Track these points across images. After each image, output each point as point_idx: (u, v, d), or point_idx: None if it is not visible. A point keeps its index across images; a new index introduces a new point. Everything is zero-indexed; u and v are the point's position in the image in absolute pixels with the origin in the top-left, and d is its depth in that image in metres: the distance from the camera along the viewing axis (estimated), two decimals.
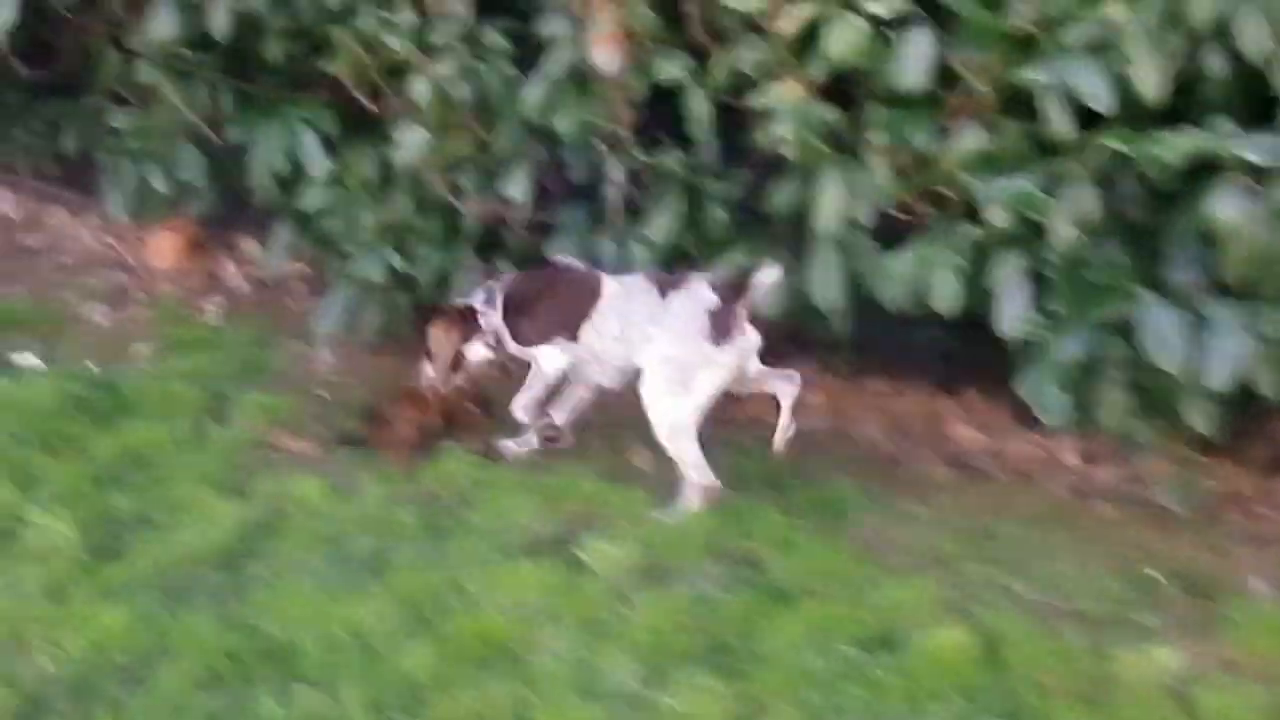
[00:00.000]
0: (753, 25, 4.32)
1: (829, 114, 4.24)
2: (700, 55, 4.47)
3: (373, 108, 5.00)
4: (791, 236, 4.62)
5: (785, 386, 4.39)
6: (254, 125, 5.37)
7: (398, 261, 5.20)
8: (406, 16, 4.80)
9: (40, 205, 7.08)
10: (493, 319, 4.56)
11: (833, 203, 4.24)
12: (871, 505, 4.62)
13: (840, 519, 4.51)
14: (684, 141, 4.67)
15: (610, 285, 4.39)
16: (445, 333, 4.65)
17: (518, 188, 4.87)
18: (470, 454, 4.70)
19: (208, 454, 4.63)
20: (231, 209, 6.09)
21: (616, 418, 4.78)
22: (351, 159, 5.26)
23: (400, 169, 4.89)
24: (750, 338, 4.22)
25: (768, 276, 4.19)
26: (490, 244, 5.22)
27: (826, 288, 4.51)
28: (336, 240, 5.27)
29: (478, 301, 4.59)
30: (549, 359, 4.51)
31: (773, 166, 4.59)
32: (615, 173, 4.58)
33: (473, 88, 4.77)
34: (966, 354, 5.14)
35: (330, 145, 5.33)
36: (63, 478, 4.38)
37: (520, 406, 4.54)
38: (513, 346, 4.57)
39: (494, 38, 4.73)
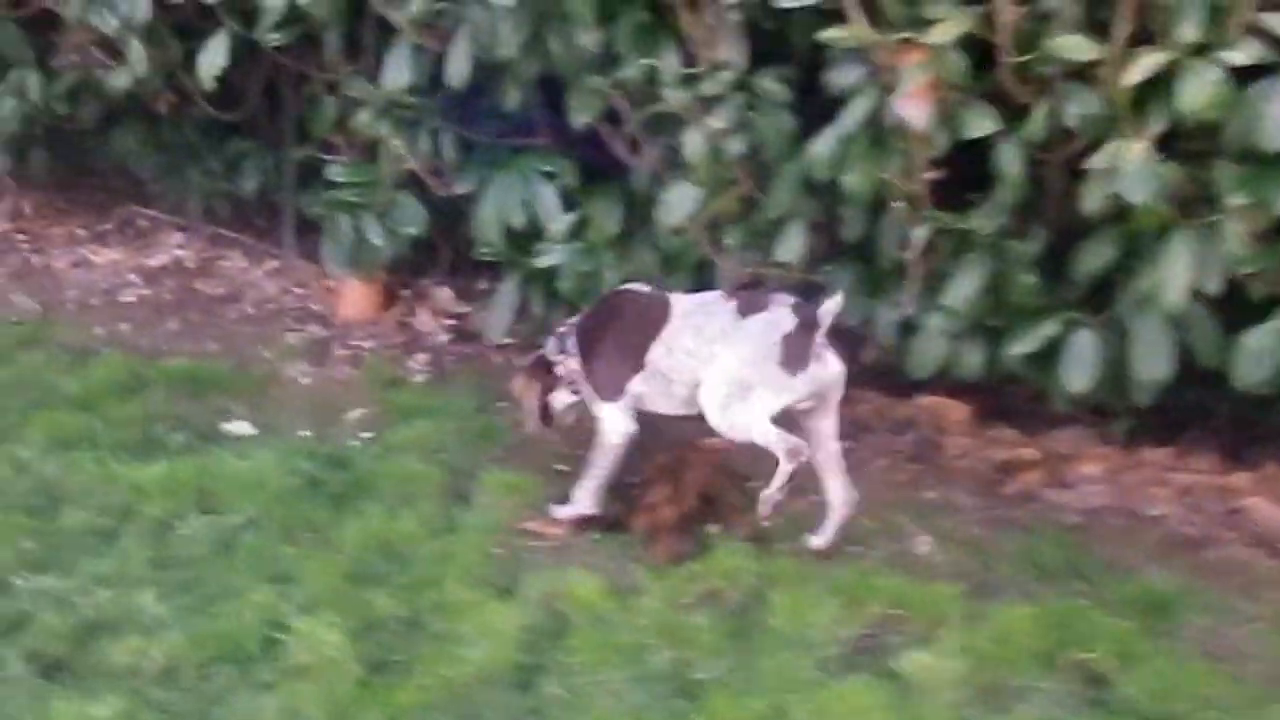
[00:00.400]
0: (1080, 75, 3.79)
1: (1175, 173, 3.72)
2: (1012, 106, 3.95)
3: (631, 161, 4.51)
4: (1101, 301, 4.24)
5: (836, 498, 4.28)
6: (484, 176, 4.90)
7: None
8: (672, 63, 4.29)
9: (214, 249, 6.77)
10: (570, 364, 4.33)
11: (1182, 273, 3.77)
12: (1196, 602, 4.14)
13: (1168, 619, 4.06)
14: (977, 198, 4.25)
15: (681, 303, 4.20)
16: (526, 385, 4.45)
17: (790, 248, 4.44)
18: (741, 541, 4.29)
19: (462, 543, 4.24)
20: (418, 253, 5.83)
21: (886, 500, 4.57)
22: (593, 212, 4.78)
23: (665, 227, 4.41)
24: (830, 369, 4.04)
25: (834, 305, 3.96)
26: None
27: (1153, 361, 4.05)
28: (572, 299, 4.80)
29: (550, 351, 4.36)
30: (617, 425, 4.28)
31: (1074, 226, 4.18)
32: (916, 233, 4.08)
33: (747, 141, 4.26)
34: (1260, 420, 4.69)
35: (569, 198, 4.89)
36: (316, 574, 3.99)
37: (586, 492, 4.33)
38: (588, 399, 4.34)
39: (771, 87, 4.24)
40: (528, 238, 4.98)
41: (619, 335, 4.24)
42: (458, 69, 4.68)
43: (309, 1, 4.69)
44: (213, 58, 5.10)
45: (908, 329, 4.56)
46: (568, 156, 4.92)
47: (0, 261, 6.73)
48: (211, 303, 6.33)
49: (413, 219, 5.07)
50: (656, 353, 4.16)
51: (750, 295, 4.19)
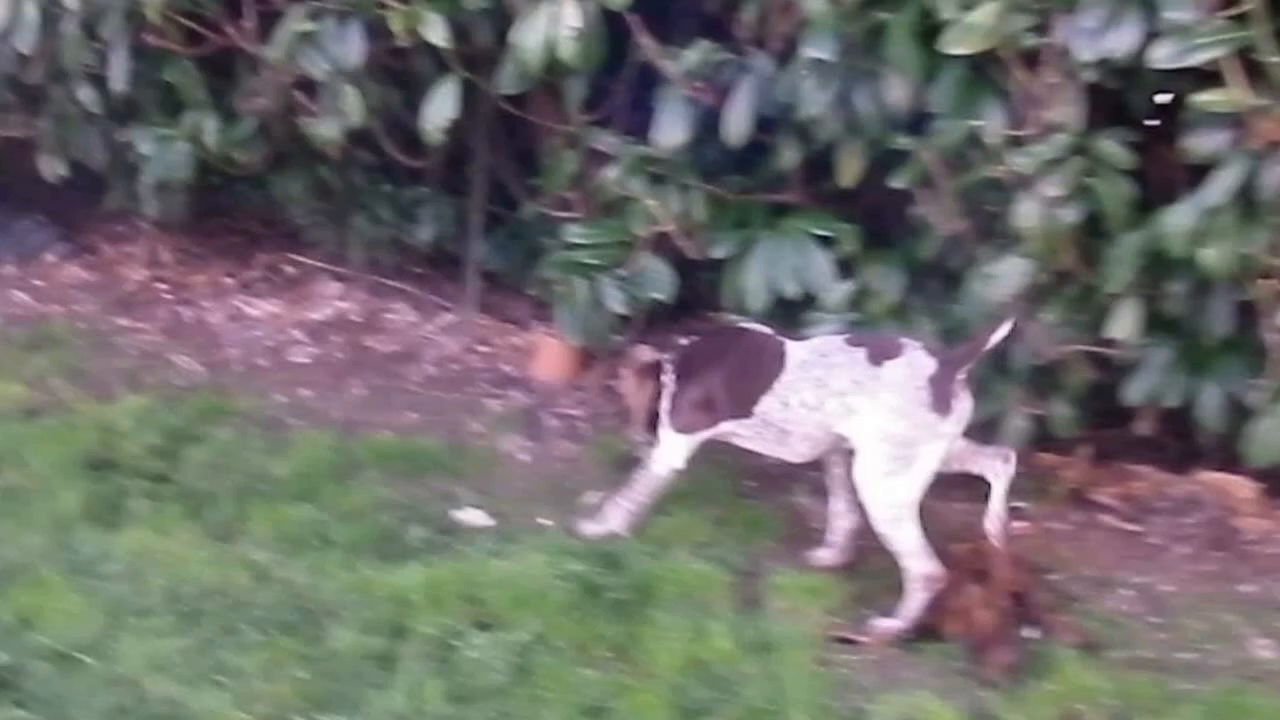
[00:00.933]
0: None
1: None
2: None
3: (944, 227, 4.11)
4: None
5: (998, 465, 4.03)
6: (745, 238, 4.44)
7: None
8: (996, 124, 3.84)
9: (378, 300, 6.26)
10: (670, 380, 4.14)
11: None
12: None
13: None
14: None
15: (798, 353, 4.00)
16: (637, 388, 4.29)
17: (1123, 325, 4.01)
18: (1074, 650, 3.94)
19: (783, 662, 3.79)
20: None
21: (1203, 594, 4.27)
22: (871, 279, 4.33)
23: (994, 302, 3.97)
24: (966, 404, 3.85)
25: (1003, 331, 3.82)
26: (1045, 383, 4.41)
27: None
28: None
29: (666, 361, 4.21)
30: (674, 457, 4.18)
31: None
32: None
33: (1084, 209, 3.81)
34: None
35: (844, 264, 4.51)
36: (638, 706, 3.57)
37: (621, 513, 4.26)
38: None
39: (1113, 151, 3.80)
40: (787, 305, 4.53)
41: (723, 375, 4.08)
42: (738, 126, 4.25)
43: (572, 51, 4.13)
44: (440, 108, 4.64)
45: (1239, 410, 4.18)
46: (844, 219, 4.41)
47: (148, 315, 6.24)
48: (387, 362, 5.86)
49: (661, 284, 4.62)
50: (768, 404, 3.98)
51: (875, 340, 3.97)
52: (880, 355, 3.84)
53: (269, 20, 5.10)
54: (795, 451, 4.06)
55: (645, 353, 4.35)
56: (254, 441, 4.90)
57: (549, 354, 5.61)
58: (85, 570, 4.02)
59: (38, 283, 6.54)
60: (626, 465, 4.75)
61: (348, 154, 5.60)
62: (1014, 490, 4.22)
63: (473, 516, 4.59)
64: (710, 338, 4.30)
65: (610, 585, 4.09)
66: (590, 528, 4.25)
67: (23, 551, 4.05)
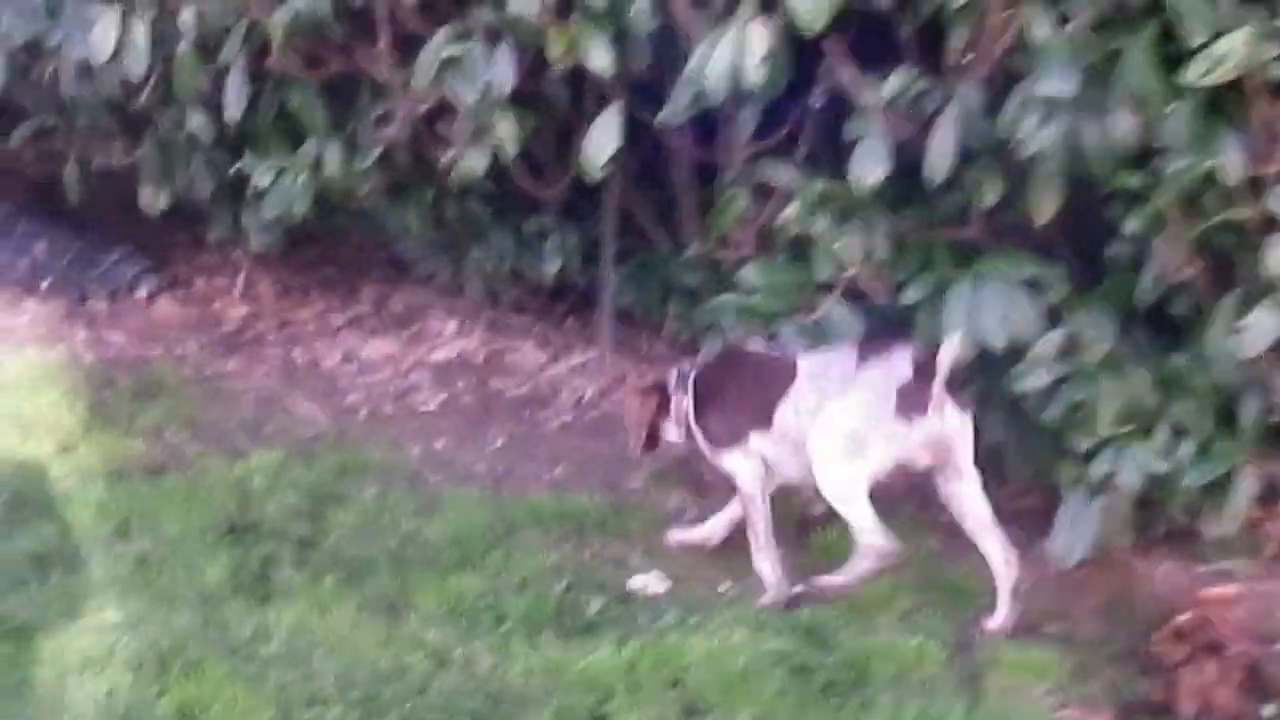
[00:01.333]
0: None
1: None
2: None
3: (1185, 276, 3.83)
4: None
5: (998, 563, 4.00)
6: (938, 281, 4.09)
7: (1153, 460, 3.98)
8: (1236, 161, 3.50)
9: (499, 338, 5.88)
10: (682, 404, 4.24)
11: None
12: None
13: None
14: None
15: (806, 363, 4.06)
16: (640, 406, 4.35)
17: None
18: None
19: None
20: None
21: None
22: (1081, 328, 3.97)
23: (1234, 359, 3.67)
24: (949, 420, 3.83)
25: (952, 348, 3.78)
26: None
27: None
28: (1061, 432, 4.05)
29: (671, 382, 4.27)
30: (743, 471, 4.15)
31: None
32: None
33: None
34: None
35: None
36: None
37: (763, 560, 4.18)
38: (705, 449, 4.24)
39: None
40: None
41: (740, 389, 4.15)
42: (941, 160, 3.90)
43: (760, 78, 3.80)
44: (603, 140, 4.27)
45: None
46: (1049, 260, 4.05)
47: (257, 357, 5.96)
48: (520, 407, 5.53)
49: (849, 332, 4.21)
50: (783, 413, 4.00)
51: (873, 344, 4.00)
52: (868, 355, 3.93)
53: (403, 43, 4.71)
54: (809, 465, 3.99)
55: (645, 375, 4.61)
56: (400, 501, 4.57)
57: None
58: (243, 653, 3.68)
59: (131, 321, 6.16)
60: (800, 522, 4.40)
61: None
62: (1224, 550, 4.08)
63: (648, 583, 4.27)
64: (721, 359, 4.37)
65: (820, 664, 3.77)
66: (765, 599, 4.14)
67: (173, 633, 3.70)
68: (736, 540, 4.35)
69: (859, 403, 3.87)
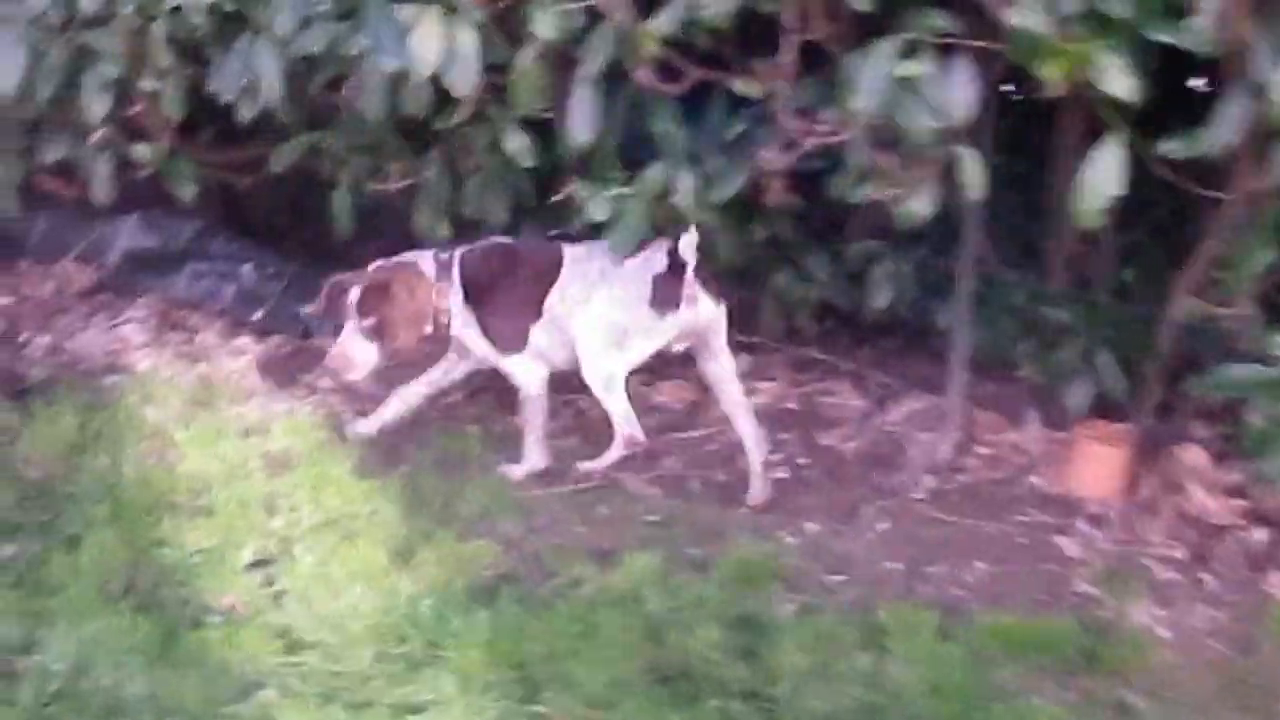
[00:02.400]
0: None
1: None
2: None
3: None
4: None
5: (750, 444, 4.32)
6: None
7: None
8: None
9: (809, 381, 4.88)
10: (448, 298, 4.26)
11: None
12: None
13: None
14: None
15: (573, 250, 4.23)
16: (413, 288, 4.26)
17: None
18: None
19: None
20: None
21: None
22: None
23: None
24: (703, 311, 4.10)
25: (692, 240, 3.93)
26: None
27: None
28: None
29: (426, 267, 4.26)
30: (530, 375, 4.32)
31: None
32: None
33: None
34: None
35: None
36: None
37: (534, 446, 4.34)
38: (481, 346, 4.35)
39: None
40: None
41: (514, 285, 4.17)
42: None
43: None
44: (1102, 180, 3.19)
45: None
46: None
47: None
48: (864, 469, 4.55)
49: None
50: (553, 299, 4.14)
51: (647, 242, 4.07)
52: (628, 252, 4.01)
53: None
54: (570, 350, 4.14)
55: (417, 262, 4.31)
56: (831, 625, 3.55)
57: (1094, 465, 4.20)
58: None
59: None
60: None
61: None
62: None
63: None
64: (487, 255, 4.34)
65: None
66: (516, 470, 4.32)
67: None
68: (1253, 680, 3.53)
69: (619, 297, 4.04)
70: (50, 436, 4.24)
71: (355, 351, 4.24)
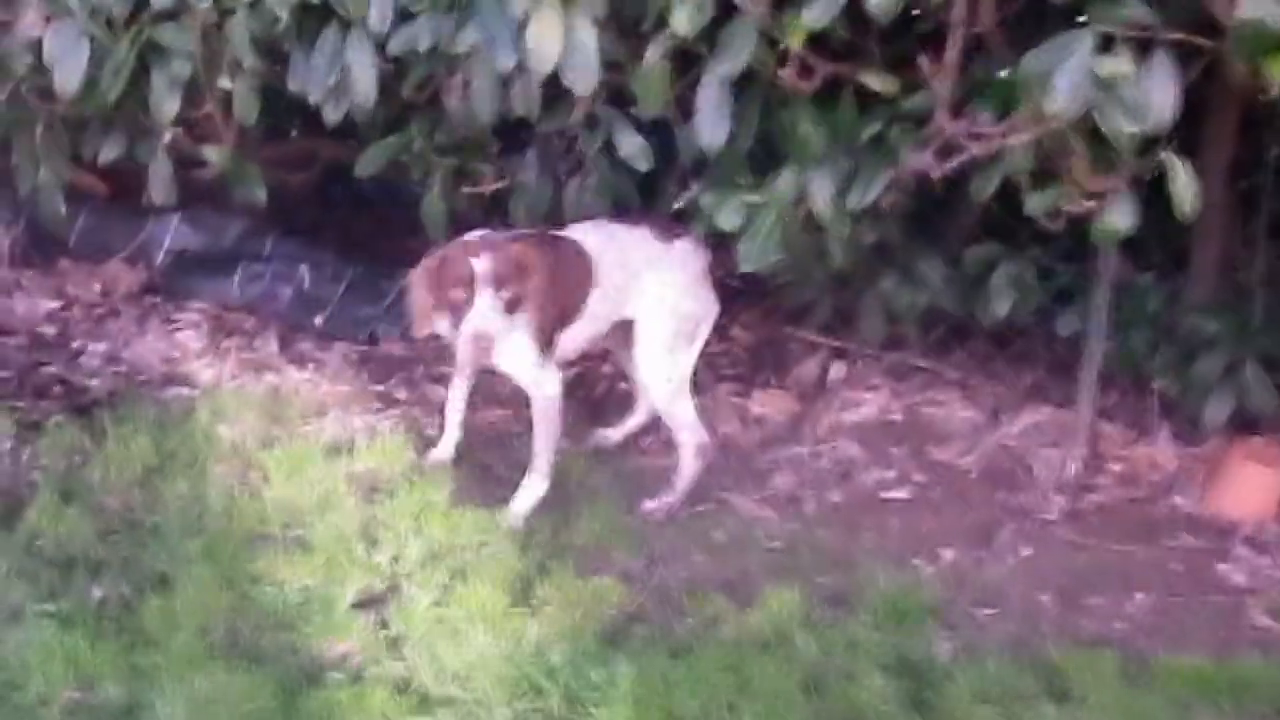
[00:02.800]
0: None
1: None
2: None
3: None
4: None
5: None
6: None
7: None
8: None
9: (912, 391, 4.60)
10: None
11: None
12: None
13: None
14: None
15: (588, 239, 3.78)
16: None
17: None
18: None
19: None
20: None
21: None
22: None
23: None
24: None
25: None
26: None
27: None
28: None
29: (475, 267, 3.49)
30: (554, 382, 3.77)
31: None
32: None
33: None
34: None
35: None
36: None
37: (545, 463, 3.77)
38: (511, 355, 3.64)
39: None
40: None
41: (552, 283, 3.57)
42: None
43: None
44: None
45: None
46: None
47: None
48: (986, 488, 4.23)
49: None
50: (595, 298, 3.70)
51: (655, 220, 3.89)
52: (666, 233, 3.79)
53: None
54: (589, 338, 3.84)
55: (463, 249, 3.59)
56: (1008, 672, 3.20)
57: (1247, 484, 3.88)
58: None
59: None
60: None
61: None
62: None
63: None
64: (518, 253, 3.56)
65: None
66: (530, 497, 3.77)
67: None
68: None
69: (681, 283, 3.71)
70: (124, 459, 3.87)
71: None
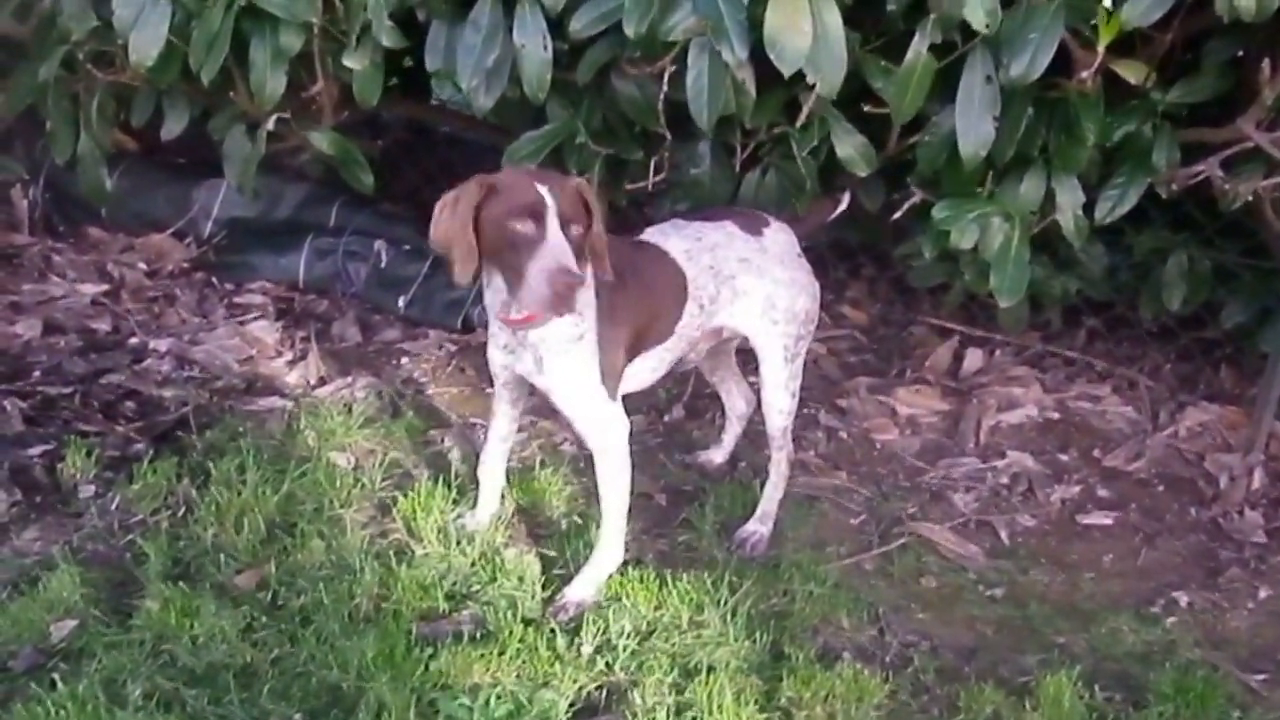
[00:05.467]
0: None
1: None
2: None
3: None
4: None
5: (742, 405, 3.21)
6: None
7: None
8: None
9: (1060, 386, 3.73)
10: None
11: None
12: None
13: None
14: None
15: (673, 245, 2.73)
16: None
17: None
18: None
19: None
20: None
21: None
22: None
23: None
24: None
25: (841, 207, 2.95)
26: None
27: None
28: None
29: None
30: (621, 421, 2.69)
31: None
32: None
33: None
34: None
35: None
36: None
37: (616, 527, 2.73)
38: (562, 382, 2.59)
39: None
40: None
41: (641, 294, 2.62)
42: None
43: None
44: None
45: None
46: None
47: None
48: (1164, 498, 3.41)
49: None
50: (687, 316, 2.70)
51: (733, 211, 2.90)
52: (754, 225, 2.82)
53: None
54: (668, 363, 2.78)
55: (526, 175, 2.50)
56: None
57: None
58: None
59: None
60: None
61: None
62: None
63: None
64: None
65: None
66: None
67: None
68: None
69: (789, 277, 2.80)
70: (238, 510, 2.89)
71: (573, 264, 2.39)
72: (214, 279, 4.12)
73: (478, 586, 2.80)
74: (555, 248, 2.34)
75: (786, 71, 2.38)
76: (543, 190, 2.37)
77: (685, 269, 2.71)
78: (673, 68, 2.70)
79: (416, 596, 2.73)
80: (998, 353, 3.98)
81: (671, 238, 2.74)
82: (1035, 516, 3.34)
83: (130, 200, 4.22)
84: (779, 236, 2.87)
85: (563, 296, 2.34)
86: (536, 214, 2.35)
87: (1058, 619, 2.93)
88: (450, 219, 2.40)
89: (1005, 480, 3.47)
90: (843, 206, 2.98)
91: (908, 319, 4.13)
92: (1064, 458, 3.60)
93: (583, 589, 2.69)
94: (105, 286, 3.97)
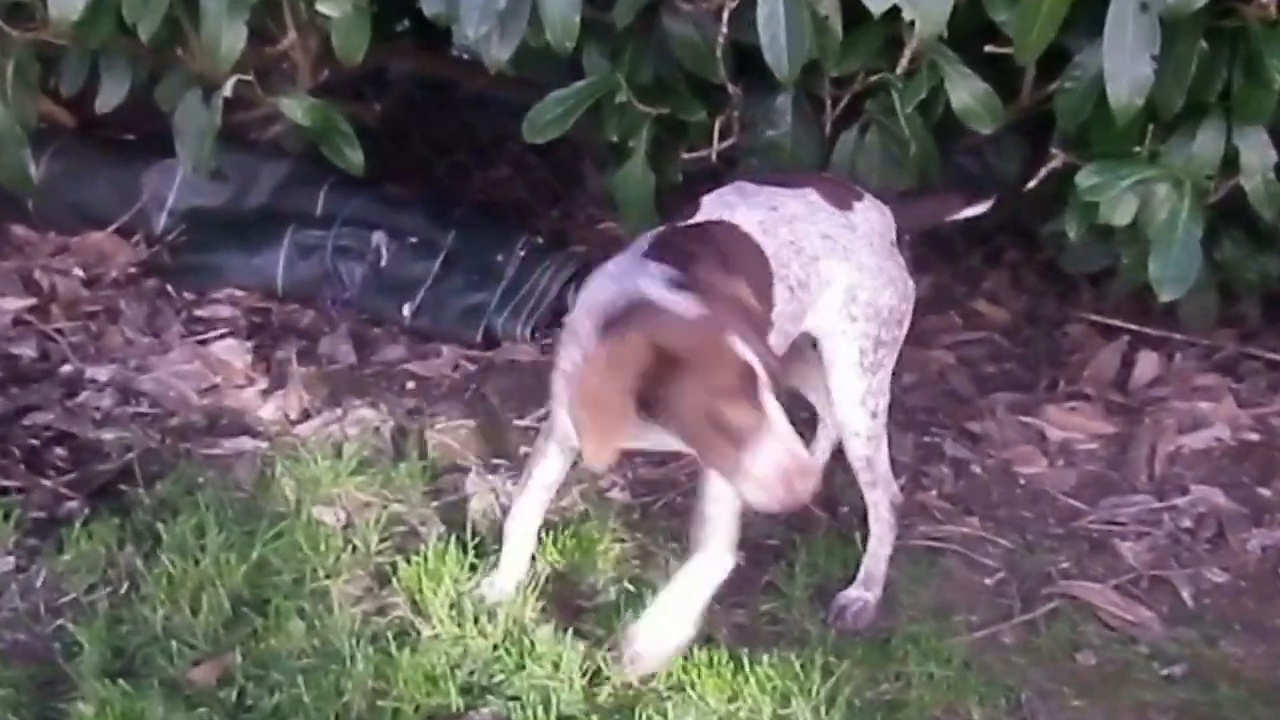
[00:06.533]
0: None
1: None
2: None
3: None
4: None
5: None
6: None
7: None
8: None
9: (1255, 399, 3.73)
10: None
11: None
12: None
13: None
14: None
15: (746, 218, 2.73)
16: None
17: None
18: None
19: None
20: None
21: None
22: None
23: None
24: None
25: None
26: None
27: None
28: None
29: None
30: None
31: None
32: None
33: None
34: None
35: None
36: None
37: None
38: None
39: None
40: None
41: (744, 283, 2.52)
42: None
43: None
44: None
45: None
46: None
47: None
48: None
49: None
50: (781, 298, 2.67)
51: (818, 178, 2.92)
52: (843, 200, 2.82)
53: None
54: None
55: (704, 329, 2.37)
56: None
57: None
58: None
59: None
60: None
61: None
62: None
63: None
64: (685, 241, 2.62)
65: None
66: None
67: None
68: None
69: (878, 266, 2.81)
70: (195, 585, 2.97)
71: (806, 453, 2.51)
72: (169, 287, 4.21)
73: (501, 677, 2.82)
74: (784, 436, 2.32)
75: (875, 9, 2.39)
76: (747, 353, 2.30)
77: (763, 244, 2.70)
78: (734, 2, 2.71)
79: (423, 691, 2.75)
80: (1178, 357, 3.98)
81: (739, 208, 2.74)
82: (1227, 570, 3.33)
83: (63, 189, 4.32)
84: (871, 215, 2.87)
85: (800, 497, 2.34)
86: (748, 390, 2.30)
87: (1256, 704, 2.90)
88: (603, 385, 2.31)
89: (1188, 523, 3.47)
90: (978, 210, 3.00)
91: (1061, 316, 4.17)
92: (1265, 492, 3.59)
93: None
94: (31, 300, 4.09)
